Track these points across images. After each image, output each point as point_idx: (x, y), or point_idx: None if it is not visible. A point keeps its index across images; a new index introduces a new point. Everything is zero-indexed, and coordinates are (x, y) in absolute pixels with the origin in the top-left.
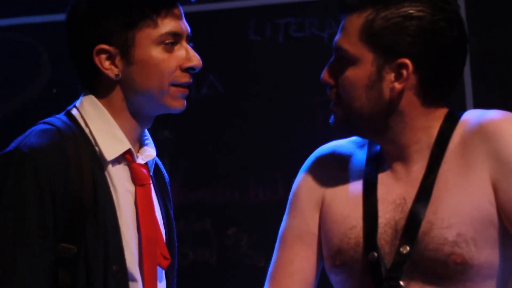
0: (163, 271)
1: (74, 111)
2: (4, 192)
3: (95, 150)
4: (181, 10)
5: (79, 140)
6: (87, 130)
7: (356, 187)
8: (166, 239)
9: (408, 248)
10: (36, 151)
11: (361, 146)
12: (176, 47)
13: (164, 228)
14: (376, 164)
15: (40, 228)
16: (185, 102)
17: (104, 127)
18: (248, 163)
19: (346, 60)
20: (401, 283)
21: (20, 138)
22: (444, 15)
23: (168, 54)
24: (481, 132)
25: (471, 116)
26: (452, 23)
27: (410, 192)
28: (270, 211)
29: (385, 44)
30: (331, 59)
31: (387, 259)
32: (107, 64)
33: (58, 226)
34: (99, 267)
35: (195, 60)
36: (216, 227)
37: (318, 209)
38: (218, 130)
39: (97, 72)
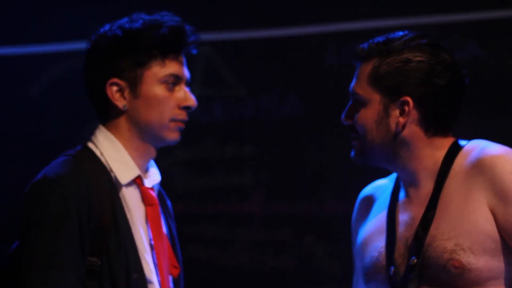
0: (172, 279)
1: (90, 144)
2: (35, 215)
3: (111, 176)
4: (184, 59)
5: (97, 168)
6: (102, 159)
7: (383, 214)
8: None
9: (415, 260)
10: (61, 178)
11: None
12: (176, 88)
13: (170, 242)
14: (398, 192)
15: (70, 244)
16: (179, 135)
17: (117, 156)
18: (325, 178)
19: (359, 102)
20: None
21: (45, 169)
22: (439, 60)
23: (169, 93)
24: (478, 165)
25: (473, 148)
26: (446, 66)
27: (418, 213)
28: (346, 222)
29: (389, 86)
30: (349, 103)
31: (401, 270)
32: (117, 96)
33: (84, 242)
34: (123, 276)
35: (192, 101)
36: (294, 237)
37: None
38: (297, 146)
39: (108, 102)
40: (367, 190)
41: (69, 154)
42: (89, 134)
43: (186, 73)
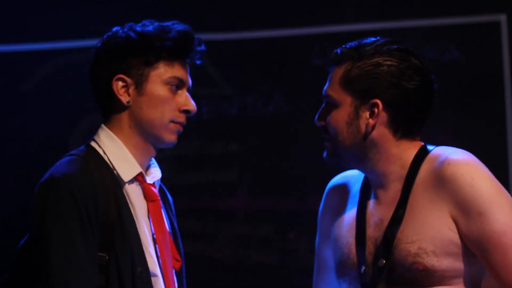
0: (174, 271)
1: (93, 143)
2: (47, 213)
3: (113, 173)
4: (188, 67)
5: (100, 166)
6: (105, 157)
7: (352, 211)
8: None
9: (384, 261)
10: (68, 177)
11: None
12: (179, 91)
13: (171, 236)
14: (368, 191)
15: (84, 238)
16: (177, 137)
17: (119, 154)
18: (308, 175)
19: (332, 104)
20: None
21: (51, 169)
22: (408, 64)
23: (172, 95)
24: (441, 176)
25: (437, 155)
26: (416, 71)
27: (386, 214)
28: None
29: (360, 88)
30: (322, 105)
31: (371, 270)
32: (122, 91)
33: (94, 237)
34: (128, 270)
35: (192, 106)
36: (278, 232)
37: (328, 235)
38: (281, 144)
39: (112, 97)
40: (336, 180)
41: (73, 153)
42: (92, 134)
43: (189, 79)
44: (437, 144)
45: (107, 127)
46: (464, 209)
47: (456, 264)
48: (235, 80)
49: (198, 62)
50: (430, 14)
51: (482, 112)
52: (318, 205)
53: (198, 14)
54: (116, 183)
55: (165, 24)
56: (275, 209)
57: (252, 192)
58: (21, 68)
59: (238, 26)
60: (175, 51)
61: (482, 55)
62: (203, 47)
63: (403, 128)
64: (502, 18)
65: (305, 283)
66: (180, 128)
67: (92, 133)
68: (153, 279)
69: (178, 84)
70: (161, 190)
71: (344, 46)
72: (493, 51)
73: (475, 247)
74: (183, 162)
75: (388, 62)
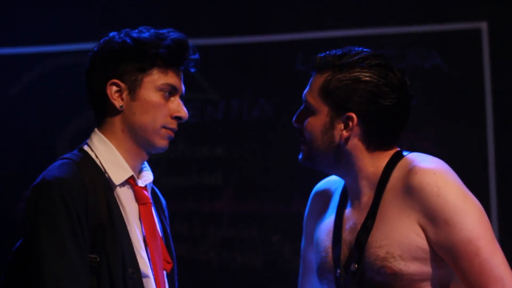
0: (165, 274)
1: (85, 147)
2: (39, 216)
3: (105, 177)
4: (182, 74)
5: (92, 169)
6: (97, 161)
7: (332, 216)
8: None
9: (356, 265)
10: (60, 180)
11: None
12: (171, 98)
13: (163, 239)
14: (347, 196)
15: (74, 240)
16: (168, 143)
17: (110, 158)
18: (292, 178)
19: (309, 110)
20: None
21: (44, 172)
22: (387, 81)
23: (164, 101)
24: (408, 183)
25: (409, 162)
26: (393, 88)
27: (359, 219)
28: None
29: (337, 100)
30: (301, 107)
31: (346, 273)
32: (116, 96)
33: (85, 239)
34: (119, 271)
35: (184, 112)
36: (262, 235)
37: (312, 239)
38: (266, 148)
39: (106, 101)
40: (320, 185)
41: (66, 157)
42: (81, 137)
43: (182, 86)
44: (419, 149)
45: (100, 131)
46: (431, 218)
47: (424, 268)
48: (220, 85)
49: (192, 70)
50: (412, 21)
51: (463, 117)
52: (303, 209)
53: (183, 19)
54: (108, 186)
55: (161, 31)
56: (259, 212)
57: (237, 195)
58: (7, 72)
59: (223, 32)
60: (169, 58)
61: (464, 62)
62: (197, 56)
63: (376, 142)
64: (483, 25)
65: (289, 285)
66: (172, 134)
67: (80, 136)
68: (144, 280)
69: (171, 91)
70: (154, 193)
71: (328, 52)
72: (474, 58)
73: (444, 254)
74: (169, 165)
75: (367, 78)
